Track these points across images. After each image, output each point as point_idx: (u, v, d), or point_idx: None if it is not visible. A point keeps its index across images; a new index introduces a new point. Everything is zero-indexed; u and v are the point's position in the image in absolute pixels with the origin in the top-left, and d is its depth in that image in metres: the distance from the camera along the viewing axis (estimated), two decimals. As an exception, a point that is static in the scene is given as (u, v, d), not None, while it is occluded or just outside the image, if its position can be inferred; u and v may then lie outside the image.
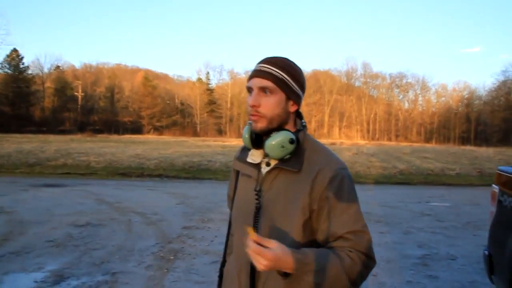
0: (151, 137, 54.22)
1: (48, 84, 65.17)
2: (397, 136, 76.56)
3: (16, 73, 58.22)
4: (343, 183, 1.27)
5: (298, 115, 1.43)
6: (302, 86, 1.37)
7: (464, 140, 70.34)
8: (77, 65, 78.73)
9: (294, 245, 1.23)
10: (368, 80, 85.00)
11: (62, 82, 65.02)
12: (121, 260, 4.89)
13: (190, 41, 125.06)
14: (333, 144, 41.56)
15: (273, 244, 1.14)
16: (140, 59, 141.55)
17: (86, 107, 67.59)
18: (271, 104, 1.31)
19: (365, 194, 10.98)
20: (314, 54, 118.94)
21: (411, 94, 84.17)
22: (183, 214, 7.65)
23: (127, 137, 49.93)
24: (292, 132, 1.31)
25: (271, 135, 1.30)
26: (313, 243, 1.29)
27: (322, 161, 1.30)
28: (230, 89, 76.39)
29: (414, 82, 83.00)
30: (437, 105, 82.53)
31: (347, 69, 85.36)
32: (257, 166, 1.38)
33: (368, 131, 78.54)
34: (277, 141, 1.28)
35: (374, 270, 4.68)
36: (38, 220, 6.86)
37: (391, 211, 8.51)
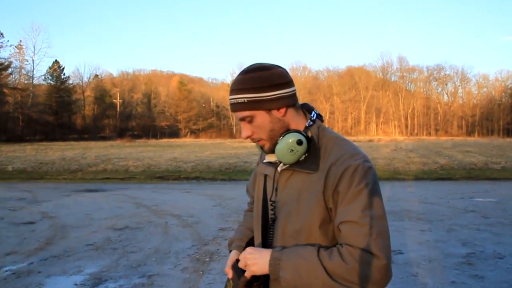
0: (188, 140, 55.13)
1: (88, 92, 67.46)
2: (436, 130, 74.35)
3: (58, 84, 60.61)
4: (355, 173, 1.17)
5: (305, 107, 1.35)
6: (275, 85, 1.23)
7: (509, 132, 67.53)
8: (115, 73, 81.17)
9: (308, 241, 1.22)
10: (405, 74, 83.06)
11: (101, 90, 67.14)
12: (157, 262, 4.93)
13: (223, 44, 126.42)
14: (370, 141, 40.86)
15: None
16: (174, 64, 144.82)
17: (125, 114, 69.46)
18: (258, 128, 1.26)
19: (405, 191, 10.67)
20: (347, 50, 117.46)
21: (450, 87, 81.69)
22: (219, 216, 7.66)
23: (164, 141, 50.99)
24: (299, 132, 1.24)
25: (278, 140, 1.25)
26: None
27: (335, 156, 1.22)
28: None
29: (453, 74, 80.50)
30: (479, 96, 79.63)
31: (382, 64, 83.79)
32: (275, 166, 1.33)
33: (406, 126, 76.69)
34: (284, 147, 1.22)
35: (415, 270, 4.52)
36: (79, 224, 7.05)
37: (433, 208, 8.20)
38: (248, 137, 1.28)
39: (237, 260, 1.36)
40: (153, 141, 49.76)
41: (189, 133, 68.34)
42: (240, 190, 11.06)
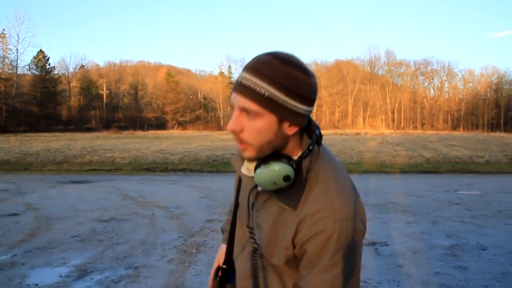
0: (175, 132, 54.85)
1: (73, 83, 66.53)
2: (423, 124, 75.14)
3: (43, 74, 59.62)
4: (330, 240, 0.96)
5: (308, 129, 1.08)
6: (305, 98, 1.00)
7: (493, 126, 68.56)
8: (101, 63, 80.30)
9: (282, 280, 1.09)
10: (392, 68, 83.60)
11: (87, 81, 66.28)
12: (143, 254, 4.90)
13: (211, 36, 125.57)
14: (357, 134, 41.10)
15: None
16: (162, 56, 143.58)
17: (111, 105, 68.74)
18: (256, 130, 0.99)
19: (391, 184, 10.77)
20: (335, 44, 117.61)
21: (436, 81, 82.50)
22: (206, 208, 7.64)
23: (151, 132, 50.63)
24: (291, 164, 0.99)
25: (261, 166, 1.01)
26: None
27: (317, 205, 0.99)
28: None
29: (439, 69, 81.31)
30: (464, 91, 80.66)
31: (370, 58, 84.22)
32: (253, 184, 1.11)
33: (393, 120, 77.34)
34: (266, 177, 0.99)
35: (401, 261, 4.57)
36: (64, 216, 6.97)
37: (418, 200, 8.29)
38: (234, 131, 1.01)
39: (219, 268, 1.33)
40: (140, 133, 49.37)
41: (176, 125, 67.95)
42: (227, 182, 11.04)
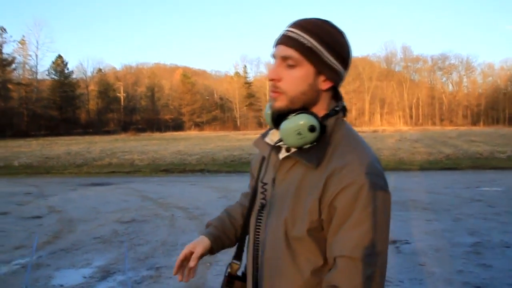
0: (192, 133, 55.19)
1: (91, 87, 67.47)
2: (441, 120, 73.98)
3: (62, 79, 60.61)
4: (359, 194, 0.96)
5: (336, 95, 1.13)
6: (341, 57, 1.06)
7: (515, 121, 67.03)
8: (118, 67, 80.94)
9: (301, 254, 1.04)
10: (409, 64, 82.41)
11: (105, 84, 67.12)
12: (164, 255, 4.96)
13: (226, 36, 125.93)
14: (375, 131, 40.76)
15: None
16: (178, 57, 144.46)
17: (129, 107, 69.50)
18: (294, 79, 1.04)
19: (410, 181, 10.66)
20: (351, 41, 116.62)
21: (455, 76, 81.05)
22: (224, 208, 7.67)
23: (169, 134, 51.06)
24: (317, 118, 1.03)
25: (289, 117, 1.05)
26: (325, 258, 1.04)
27: (344, 160, 1.01)
28: (268, 82, 76.28)
29: (457, 63, 79.83)
30: (484, 85, 79.05)
31: (386, 54, 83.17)
32: (271, 150, 1.13)
33: (411, 116, 76.31)
34: (292, 126, 1.02)
35: (422, 259, 4.52)
36: (86, 218, 7.09)
37: (439, 198, 8.19)
38: (273, 80, 1.06)
39: (191, 254, 1.26)
40: (157, 134, 49.83)
41: (193, 126, 68.34)
42: (246, 182, 10.99)
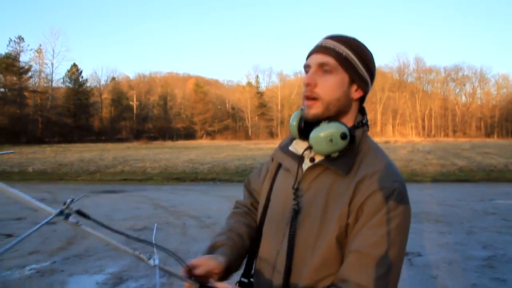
0: (204, 142, 55.45)
1: (105, 95, 68.29)
2: (454, 132, 73.34)
3: (76, 87, 61.52)
4: (387, 199, 1.01)
5: (361, 109, 1.18)
6: (370, 71, 1.14)
7: (530, 133, 66.11)
8: (131, 75, 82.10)
9: (327, 262, 1.05)
10: (422, 75, 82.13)
11: (118, 92, 67.91)
12: (177, 263, 4.96)
13: (239, 46, 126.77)
14: (387, 142, 40.51)
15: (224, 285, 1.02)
16: (190, 67, 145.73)
17: (141, 116, 70.12)
18: (330, 84, 1.09)
19: (423, 193, 10.56)
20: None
21: (468, 88, 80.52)
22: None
23: (180, 143, 51.34)
24: (347, 127, 1.08)
25: (321, 124, 1.09)
26: None
27: (373, 168, 1.06)
28: (280, 92, 76.47)
29: (471, 75, 79.37)
30: (498, 97, 78.32)
31: (398, 65, 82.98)
32: (299, 160, 1.15)
33: (423, 127, 75.80)
34: (326, 133, 1.06)
35: (435, 272, 4.49)
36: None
37: (451, 210, 8.11)
38: (309, 85, 1.10)
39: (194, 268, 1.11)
40: (169, 143, 50.15)
41: (204, 135, 68.69)
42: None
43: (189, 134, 68.05)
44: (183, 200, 9.79)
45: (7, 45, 55.80)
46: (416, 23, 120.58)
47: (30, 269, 4.76)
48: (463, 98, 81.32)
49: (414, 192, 10.85)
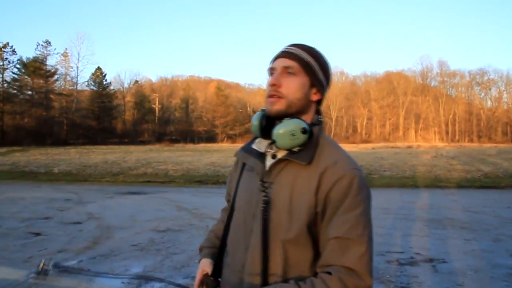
0: (225, 145, 55.63)
1: (128, 98, 69.32)
2: (479, 137, 71.67)
3: (100, 90, 62.65)
4: (351, 185, 1.11)
5: (317, 111, 1.30)
6: (327, 77, 1.28)
7: (559, 139, 64.20)
8: (154, 79, 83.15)
9: (301, 251, 1.15)
10: (445, 79, 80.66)
11: (141, 95, 68.84)
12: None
13: (259, 49, 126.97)
14: (409, 147, 39.94)
15: None
16: (212, 70, 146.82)
17: (163, 118, 70.88)
18: (293, 85, 1.21)
19: (447, 199, 10.39)
20: (385, 55, 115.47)
21: (494, 92, 78.61)
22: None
23: (202, 146, 51.66)
24: (307, 123, 1.18)
25: (282, 121, 1.19)
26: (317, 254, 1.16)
27: (333, 158, 1.16)
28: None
29: (497, 79, 77.51)
30: (525, 101, 76.15)
31: (421, 69, 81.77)
32: (262, 157, 1.25)
33: (447, 132, 74.39)
34: (288, 128, 1.16)
35: (461, 280, 4.42)
36: (123, 225, 7.29)
37: (477, 217, 7.95)
38: (274, 85, 1.21)
39: (207, 274, 1.36)
40: (190, 146, 50.53)
41: (226, 138, 68.95)
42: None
43: (210, 137, 68.42)
44: (205, 203, 9.87)
45: (35, 49, 57.53)
46: (440, 25, 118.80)
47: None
48: (489, 102, 79.57)
49: (438, 198, 10.74)
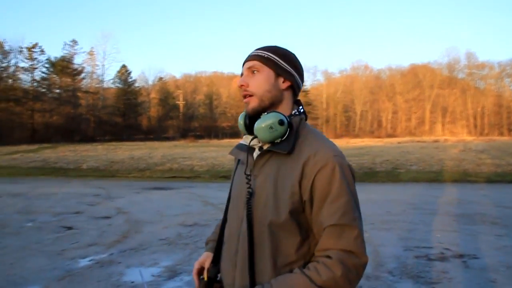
0: (248, 140, 55.61)
1: (153, 95, 70.19)
2: (510, 130, 69.64)
3: (126, 87, 63.59)
4: (334, 172, 1.19)
5: (297, 102, 1.38)
6: (294, 66, 1.35)
7: None
8: (178, 75, 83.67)
9: (287, 236, 1.22)
10: (473, 71, 78.46)
11: (165, 92, 69.60)
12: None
13: (283, 44, 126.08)
14: (436, 141, 39.18)
15: None
16: (235, 66, 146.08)
17: (187, 115, 71.50)
18: (258, 80, 1.30)
19: (477, 194, 10.17)
20: (410, 48, 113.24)
21: (525, 83, 76.01)
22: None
23: (226, 141, 51.84)
24: (284, 115, 1.25)
25: (261, 116, 1.28)
26: (306, 239, 1.24)
27: (315, 147, 1.23)
28: (325, 90, 75.70)
29: (528, 70, 74.87)
30: (559, 93, 73.51)
31: (448, 61, 79.71)
32: (251, 152, 1.34)
33: (475, 126, 72.53)
34: (266, 123, 1.23)
35: (493, 276, 4.32)
36: (151, 220, 7.42)
37: (509, 212, 7.76)
38: (242, 86, 1.32)
39: (203, 268, 1.46)
40: (215, 141, 50.81)
41: (249, 134, 69.07)
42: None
43: (234, 133, 68.61)
44: (231, 198, 9.92)
45: (62, 48, 58.81)
46: (467, 16, 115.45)
47: (90, 260, 5.02)
48: (520, 94, 77.09)
49: (467, 192, 10.51)
